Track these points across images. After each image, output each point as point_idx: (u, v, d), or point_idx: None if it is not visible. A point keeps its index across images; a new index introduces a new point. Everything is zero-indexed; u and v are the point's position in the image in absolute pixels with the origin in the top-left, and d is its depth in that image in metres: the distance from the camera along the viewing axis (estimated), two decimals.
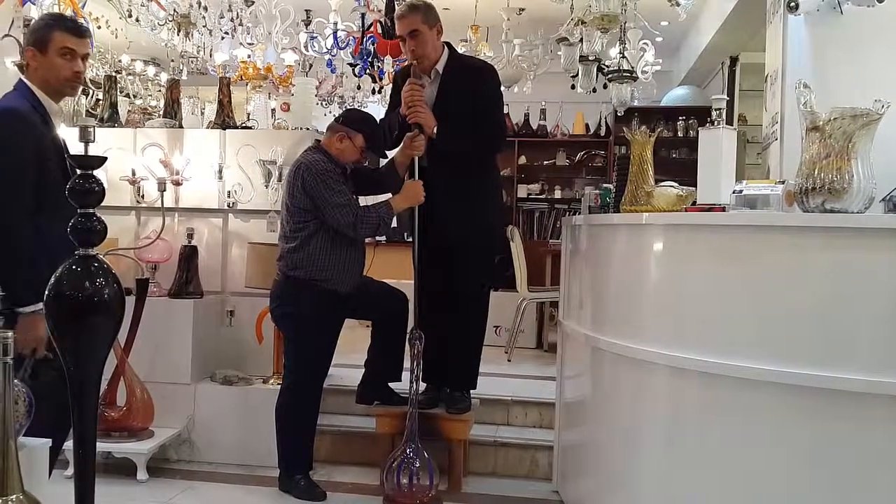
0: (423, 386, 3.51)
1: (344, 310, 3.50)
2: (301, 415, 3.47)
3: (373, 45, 5.07)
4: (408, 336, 3.40)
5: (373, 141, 3.50)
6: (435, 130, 3.39)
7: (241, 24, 5.02)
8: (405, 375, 3.53)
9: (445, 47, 3.53)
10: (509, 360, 5.15)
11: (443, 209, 3.45)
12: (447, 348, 3.56)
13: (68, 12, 4.46)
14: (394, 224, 4.05)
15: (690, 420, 2.42)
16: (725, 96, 2.95)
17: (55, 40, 2.58)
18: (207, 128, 4.32)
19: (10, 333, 1.88)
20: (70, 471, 3.17)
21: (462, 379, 3.62)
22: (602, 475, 2.91)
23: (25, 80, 2.62)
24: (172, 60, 5.45)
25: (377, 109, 7.65)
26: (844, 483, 2.09)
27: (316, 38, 5.25)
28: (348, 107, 7.63)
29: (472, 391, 3.67)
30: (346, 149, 3.44)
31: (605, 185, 3.72)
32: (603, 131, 8.50)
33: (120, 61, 6.06)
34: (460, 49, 5.92)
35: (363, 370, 3.71)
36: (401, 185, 3.49)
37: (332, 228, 3.34)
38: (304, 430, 3.49)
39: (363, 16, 5.06)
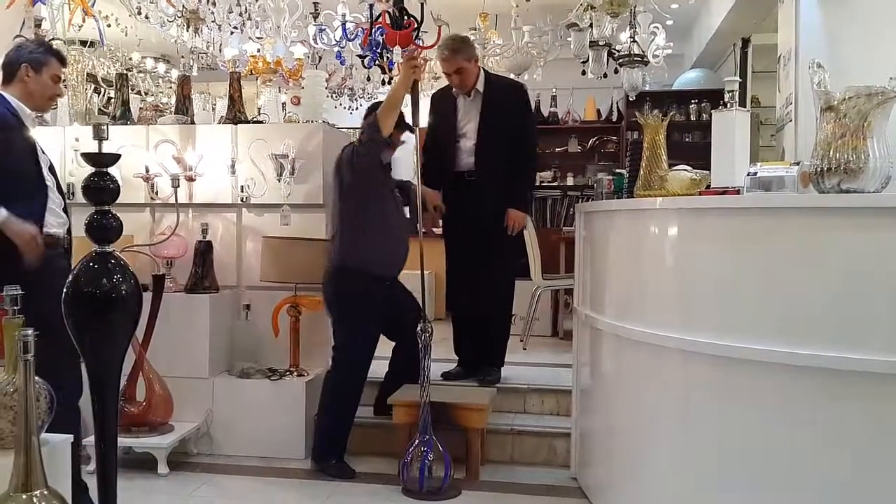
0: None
1: (385, 296, 3.63)
2: (345, 397, 3.59)
3: (382, 35, 5.05)
4: (418, 328, 3.43)
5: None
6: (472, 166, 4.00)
7: (249, 19, 5.01)
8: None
9: (480, 69, 4.11)
10: (525, 349, 5.15)
11: (488, 210, 3.95)
12: (484, 329, 4.10)
13: (78, 11, 4.49)
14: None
15: (707, 404, 2.41)
16: (738, 78, 2.93)
17: (51, 66, 3.00)
18: (219, 123, 4.33)
19: (30, 331, 1.90)
20: (92, 466, 3.21)
21: (496, 357, 4.13)
22: (619, 461, 2.92)
23: (4, 94, 2.93)
24: (182, 57, 5.45)
25: None
26: (862, 463, 2.08)
27: (325, 30, 5.23)
28: (359, 98, 7.65)
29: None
30: None
31: (617, 170, 3.71)
32: (615, 117, 8.44)
33: (130, 59, 6.07)
34: (469, 36, 5.91)
35: (382, 382, 3.89)
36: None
37: (378, 219, 3.52)
38: (346, 413, 3.61)
39: (371, 7, 5.03)
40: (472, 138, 4.01)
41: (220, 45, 5.56)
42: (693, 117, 7.90)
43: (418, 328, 3.42)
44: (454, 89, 4.09)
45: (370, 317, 3.60)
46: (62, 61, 3.09)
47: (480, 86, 4.03)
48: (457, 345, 4.27)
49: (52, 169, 3.01)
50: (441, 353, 4.36)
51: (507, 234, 4.03)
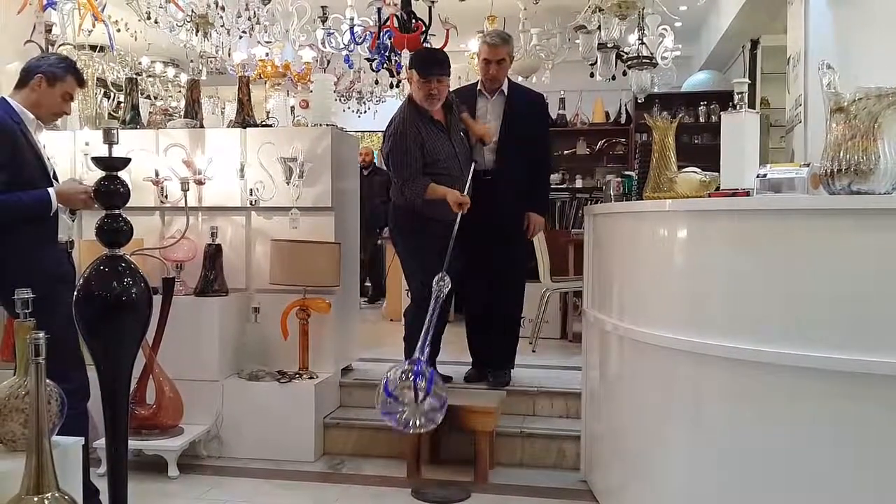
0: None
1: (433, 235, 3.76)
2: (414, 326, 3.76)
3: (389, 39, 5.06)
4: (435, 278, 3.37)
5: (422, 68, 3.74)
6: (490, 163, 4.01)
7: (258, 23, 5.02)
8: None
9: None
10: (534, 351, 5.14)
11: (504, 210, 3.95)
12: (494, 331, 4.14)
13: (88, 16, 4.51)
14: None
15: (718, 406, 2.40)
16: (747, 80, 2.93)
17: (66, 83, 2.99)
18: (228, 127, 4.34)
19: (41, 334, 1.91)
20: (103, 469, 3.22)
21: (507, 357, 4.16)
22: (629, 463, 2.91)
23: (7, 98, 2.96)
24: (192, 61, 5.48)
25: (395, 103, 7.66)
26: (875, 465, 2.06)
27: (333, 34, 5.25)
28: (367, 101, 7.66)
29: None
30: (415, 90, 3.79)
31: (626, 172, 3.71)
32: (623, 119, 8.43)
33: (140, 63, 6.10)
34: (477, 38, 5.91)
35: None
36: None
37: None
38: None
39: (379, 10, 5.04)
40: (492, 137, 4.02)
41: (229, 49, 5.59)
42: (702, 119, 7.89)
43: (435, 278, 3.34)
44: (478, 88, 4.12)
45: (419, 244, 3.82)
46: (80, 82, 3.07)
47: (505, 88, 4.09)
48: (471, 345, 4.27)
49: (55, 174, 3.02)
50: (451, 356, 4.37)
51: (522, 236, 4.09)
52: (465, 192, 3.66)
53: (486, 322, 4.18)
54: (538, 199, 4.14)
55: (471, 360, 4.26)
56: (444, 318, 3.90)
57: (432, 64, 3.76)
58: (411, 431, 3.19)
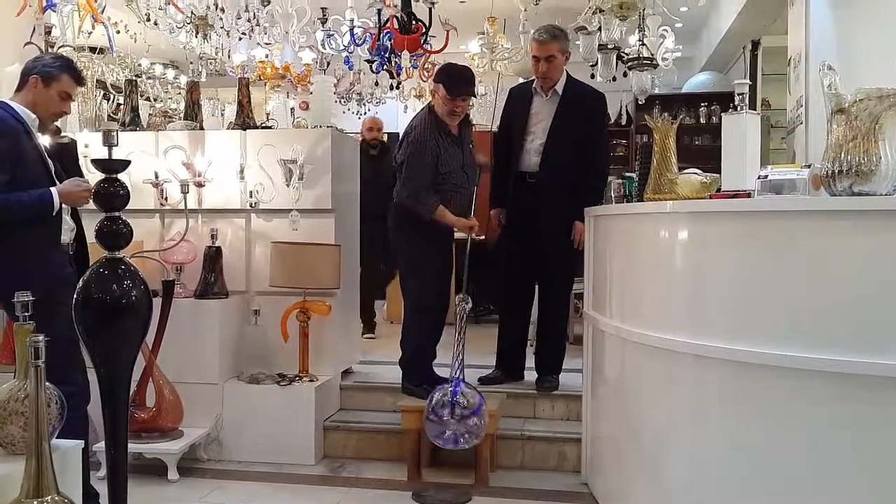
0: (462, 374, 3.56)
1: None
2: (414, 327, 3.87)
3: (390, 40, 5.05)
4: (457, 298, 3.56)
5: (452, 87, 3.73)
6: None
7: (258, 25, 5.03)
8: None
9: (565, 71, 4.02)
10: (535, 353, 5.12)
11: (547, 214, 3.86)
12: (544, 338, 4.10)
13: (88, 18, 4.50)
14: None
15: (720, 409, 2.40)
16: (748, 81, 2.92)
17: (62, 82, 2.96)
18: (228, 129, 4.33)
19: (40, 337, 1.91)
20: (103, 472, 3.21)
21: (556, 363, 4.10)
22: (631, 466, 2.90)
23: (7, 101, 2.95)
24: (191, 63, 5.48)
25: (395, 105, 7.67)
26: (878, 468, 2.06)
27: (333, 35, 5.24)
28: (367, 103, 7.66)
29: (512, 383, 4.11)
30: (438, 103, 3.79)
31: (627, 174, 3.71)
32: (624, 120, 8.44)
33: (139, 65, 6.10)
34: (478, 40, 5.91)
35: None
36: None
37: None
38: (421, 341, 3.85)
39: (379, 11, 5.03)
40: (540, 138, 3.93)
41: (229, 50, 5.59)
42: (703, 120, 7.90)
43: (457, 298, 3.49)
44: (533, 86, 4.03)
45: (421, 248, 3.81)
46: (77, 80, 3.04)
47: (560, 88, 3.97)
48: (500, 349, 4.20)
49: (57, 173, 3.01)
50: (472, 358, 4.37)
51: (569, 243, 3.88)
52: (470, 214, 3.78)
53: (522, 328, 4.16)
54: (585, 206, 3.66)
55: (495, 362, 4.21)
56: (441, 326, 3.92)
57: (462, 83, 3.76)
58: (458, 447, 3.37)
